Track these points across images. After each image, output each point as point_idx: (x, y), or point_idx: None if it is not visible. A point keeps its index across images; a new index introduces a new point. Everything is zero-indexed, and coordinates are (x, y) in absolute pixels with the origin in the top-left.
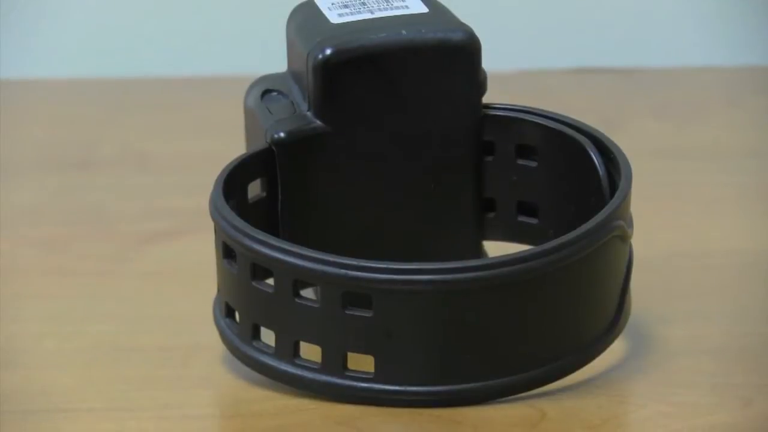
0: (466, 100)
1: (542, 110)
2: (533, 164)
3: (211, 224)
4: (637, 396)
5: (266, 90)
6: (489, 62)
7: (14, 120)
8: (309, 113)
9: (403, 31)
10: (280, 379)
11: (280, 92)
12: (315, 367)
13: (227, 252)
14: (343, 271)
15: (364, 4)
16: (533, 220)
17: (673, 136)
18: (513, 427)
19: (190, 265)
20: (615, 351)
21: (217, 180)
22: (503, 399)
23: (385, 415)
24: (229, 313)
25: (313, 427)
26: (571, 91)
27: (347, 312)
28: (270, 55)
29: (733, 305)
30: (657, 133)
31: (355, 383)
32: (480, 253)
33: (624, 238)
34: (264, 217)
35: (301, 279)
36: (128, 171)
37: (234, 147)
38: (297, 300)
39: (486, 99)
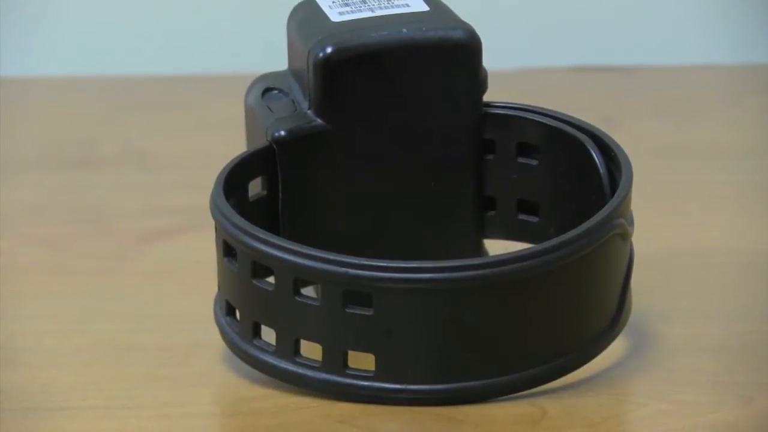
0: (467, 98)
1: (543, 108)
2: (534, 162)
3: (211, 223)
4: (637, 394)
5: (267, 88)
6: (490, 60)
7: (14, 118)
8: (309, 111)
9: (404, 30)
10: (280, 377)
11: (280, 90)
12: (315, 365)
13: (228, 250)
14: (343, 270)
15: (364, 2)
16: (534, 219)
17: (674, 134)
18: (514, 425)
19: (191, 264)
20: (616, 349)
21: (217, 178)
22: (504, 397)
23: (385, 413)
24: (230, 311)
25: (314, 425)
26: (572, 90)
27: (348, 310)
28: (271, 54)
29: (733, 303)
30: (657, 131)
31: (355, 381)
32: (480, 251)
33: (624, 236)
34: (264, 215)
35: (301, 277)
36: (128, 169)
37: (234, 145)
38: (297, 298)
39: (487, 97)
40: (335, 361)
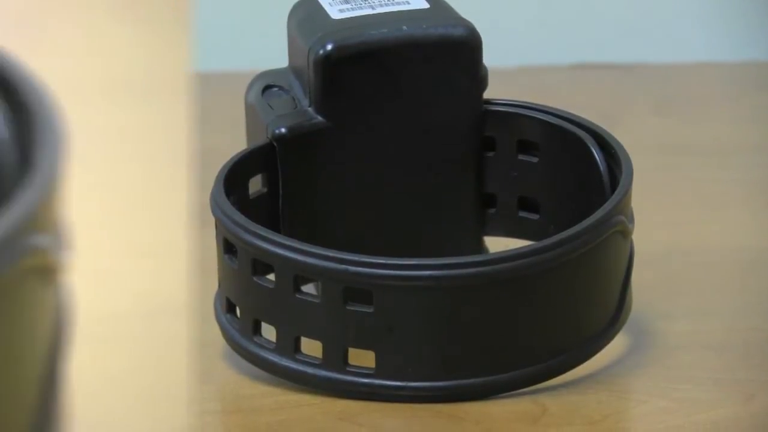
0: (467, 96)
1: (543, 106)
2: (534, 160)
3: (212, 219)
4: (638, 391)
5: (267, 85)
6: (490, 58)
7: None
8: (310, 109)
9: (404, 27)
10: (281, 374)
11: (281, 88)
12: (316, 362)
13: (228, 247)
14: (343, 267)
15: None
16: (534, 216)
17: (675, 131)
18: (515, 423)
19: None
20: (616, 347)
21: (218, 176)
22: (505, 394)
23: (386, 410)
24: (230, 308)
25: (315, 422)
26: (572, 87)
27: (348, 307)
28: (271, 51)
29: (735, 301)
30: (658, 128)
31: (356, 379)
32: (481, 248)
33: (625, 233)
34: (265, 212)
35: (301, 274)
36: None
37: (235, 142)
38: (298, 295)
39: (487, 95)
40: (336, 358)
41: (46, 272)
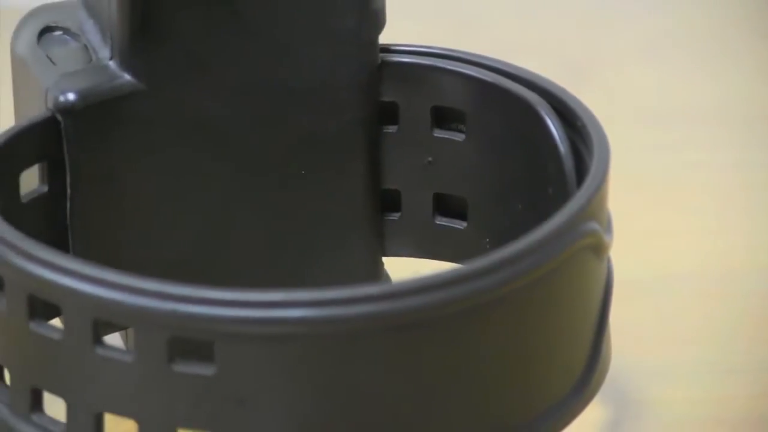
0: (353, 40)
1: (472, 54)
2: (458, 137)
3: None
4: None
5: (46, 27)
6: None
7: None
8: (112, 63)
9: None
10: None
11: (66, 31)
12: None
13: None
14: (169, 305)
15: None
16: (459, 224)
17: (673, 88)
18: None
19: None
20: (587, 423)
21: None
22: None
23: None
24: None
25: None
26: (517, 23)
27: (176, 369)
28: None
29: (765, 350)
30: (646, 85)
31: None
32: (378, 275)
33: (599, 249)
34: (45, 222)
35: (103, 318)
36: None
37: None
38: (99, 351)
39: (385, 38)
40: None
41: (598, 249)
